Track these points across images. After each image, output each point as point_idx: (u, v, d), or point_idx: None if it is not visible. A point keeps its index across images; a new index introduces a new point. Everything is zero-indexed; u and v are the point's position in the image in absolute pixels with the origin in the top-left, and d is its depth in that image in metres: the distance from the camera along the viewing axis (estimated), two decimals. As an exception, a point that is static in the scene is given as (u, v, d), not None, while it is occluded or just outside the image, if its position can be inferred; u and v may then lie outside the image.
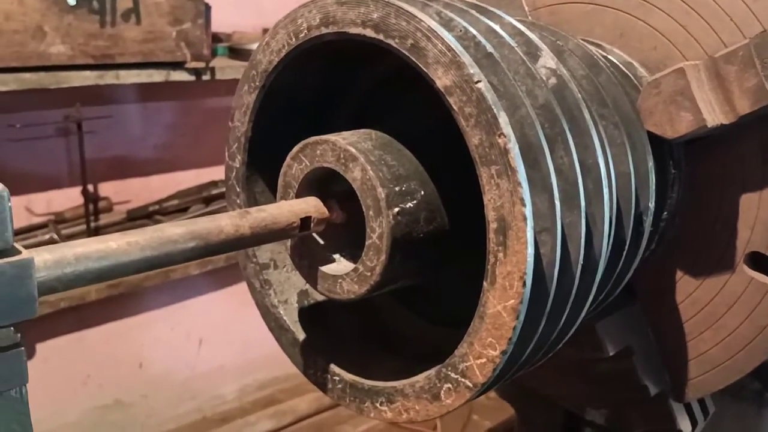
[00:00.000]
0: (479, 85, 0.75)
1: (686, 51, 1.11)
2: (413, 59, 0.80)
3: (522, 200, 0.74)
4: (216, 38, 3.46)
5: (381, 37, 0.83)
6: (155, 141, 3.54)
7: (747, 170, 1.10)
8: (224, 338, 3.88)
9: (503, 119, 0.74)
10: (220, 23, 3.40)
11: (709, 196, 1.13)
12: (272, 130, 1.05)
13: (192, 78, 2.98)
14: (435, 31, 0.78)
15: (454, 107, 0.77)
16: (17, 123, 2.96)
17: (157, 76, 2.86)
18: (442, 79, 0.78)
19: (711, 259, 1.14)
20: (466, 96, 0.76)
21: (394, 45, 0.81)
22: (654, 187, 1.01)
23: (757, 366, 1.16)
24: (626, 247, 0.98)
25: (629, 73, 1.11)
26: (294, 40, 0.94)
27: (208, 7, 3.02)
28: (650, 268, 1.19)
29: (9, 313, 0.63)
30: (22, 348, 0.66)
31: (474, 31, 0.82)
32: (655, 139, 1.05)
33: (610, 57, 1.13)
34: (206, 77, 3.02)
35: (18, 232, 2.99)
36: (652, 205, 1.01)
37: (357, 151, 0.87)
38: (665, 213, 1.12)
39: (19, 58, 2.45)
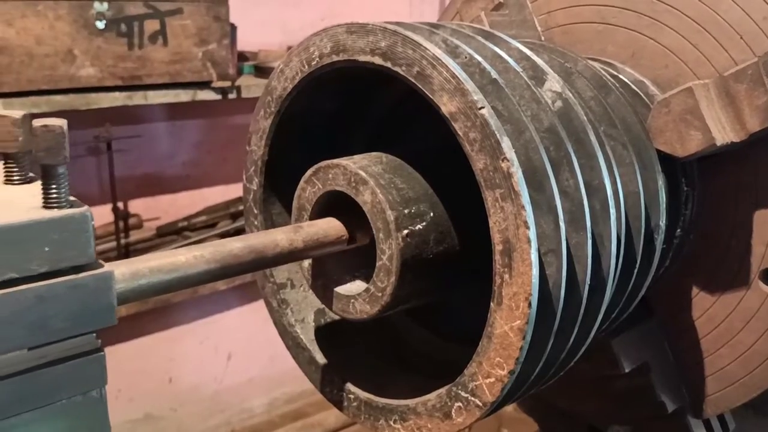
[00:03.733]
0: (483, 111, 0.77)
1: (697, 69, 1.12)
2: (419, 86, 0.82)
3: (526, 223, 0.76)
4: (242, 57, 3.52)
5: (389, 64, 0.85)
6: (183, 158, 3.60)
7: (760, 186, 1.10)
8: (252, 352, 3.92)
9: (506, 144, 0.76)
10: (246, 42, 3.46)
11: (723, 212, 1.14)
12: (288, 154, 1.08)
13: (218, 97, 3.04)
14: (440, 59, 0.80)
15: (459, 133, 0.79)
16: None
17: (184, 95, 2.92)
18: (447, 106, 0.80)
19: (726, 276, 1.14)
20: (471, 122, 0.78)
21: (401, 72, 0.84)
22: (665, 205, 1.02)
23: (776, 382, 1.15)
24: (637, 266, 0.99)
25: (640, 92, 1.12)
26: (307, 67, 0.96)
27: (233, 27, 3.08)
28: (666, 285, 1.19)
29: (91, 321, 0.70)
30: (103, 353, 0.73)
31: (479, 58, 0.84)
32: (666, 157, 1.06)
33: (621, 76, 1.14)
34: (232, 96, 3.08)
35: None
36: (663, 223, 1.01)
37: (367, 175, 0.89)
38: (679, 230, 1.12)
39: (50, 81, 2.52)
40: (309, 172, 0.96)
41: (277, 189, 1.11)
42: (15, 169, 0.76)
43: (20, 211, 0.68)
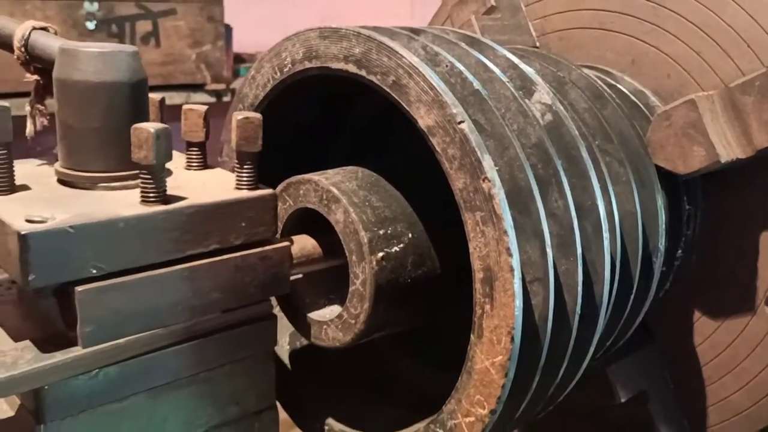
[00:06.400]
0: (462, 125, 0.70)
1: (701, 79, 1.05)
2: (395, 97, 0.75)
3: (508, 249, 0.68)
4: (239, 59, 3.45)
5: (363, 73, 0.78)
6: (178, 162, 3.53)
7: (768, 206, 1.03)
8: (247, 359, 3.85)
9: (488, 162, 0.69)
10: (243, 44, 3.40)
11: (728, 233, 1.06)
12: (264, 166, 1.01)
13: (213, 100, 2.98)
14: (417, 68, 0.73)
15: (437, 149, 0.72)
16: (38, 146, 2.97)
17: (177, 98, 2.85)
18: (424, 119, 0.73)
19: (730, 300, 1.07)
20: (449, 137, 0.71)
21: (376, 81, 0.77)
22: (665, 226, 0.95)
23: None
24: (634, 291, 0.91)
25: (640, 103, 1.05)
26: (279, 74, 0.89)
27: (228, 29, 3.02)
28: (667, 309, 1.12)
29: (273, 289, 0.81)
30: (276, 317, 0.85)
31: (461, 67, 0.76)
32: (667, 174, 0.99)
33: (619, 86, 1.07)
34: (227, 98, 3.01)
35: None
36: (662, 245, 0.94)
37: (339, 192, 0.82)
38: (680, 251, 1.05)
39: (38, 83, 2.45)
40: (280, 187, 0.89)
41: (252, 203, 1.03)
42: (197, 156, 0.87)
43: (219, 191, 0.78)
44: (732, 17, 1.03)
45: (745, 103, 0.94)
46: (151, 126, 0.70)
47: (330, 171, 0.88)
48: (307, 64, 0.85)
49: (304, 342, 1.05)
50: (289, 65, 0.87)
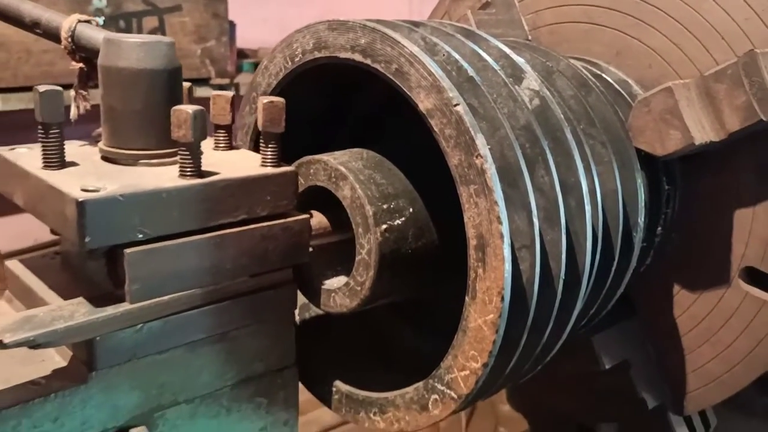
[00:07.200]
0: (458, 108, 0.78)
1: (680, 69, 1.13)
2: (398, 83, 0.83)
3: (498, 218, 0.77)
4: (242, 54, 3.53)
5: (368, 61, 0.86)
6: (183, 155, 3.60)
7: (741, 185, 1.11)
8: (250, 349, 3.93)
9: (480, 140, 0.77)
10: (246, 40, 3.47)
11: (705, 211, 1.15)
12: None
13: (217, 94, 3.05)
14: (417, 57, 0.81)
15: (435, 129, 0.80)
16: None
17: (182, 92, 2.93)
18: (424, 103, 0.81)
19: (707, 274, 1.15)
20: (446, 118, 0.79)
21: (380, 69, 0.85)
22: (644, 203, 1.03)
23: (756, 379, 1.17)
24: (615, 263, 1.00)
25: (623, 92, 1.13)
26: (290, 63, 0.98)
27: (232, 25, 3.09)
28: (648, 283, 1.20)
29: (293, 257, 0.90)
30: (296, 284, 0.95)
31: (457, 56, 0.85)
32: (648, 157, 1.07)
33: (604, 75, 1.15)
34: (231, 93, 3.09)
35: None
36: (642, 221, 1.02)
37: (347, 170, 0.90)
38: (660, 228, 1.14)
39: (48, 77, 2.53)
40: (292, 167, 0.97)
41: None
42: (224, 138, 0.97)
43: (246, 168, 0.87)
44: (709, 12, 1.11)
45: (718, 90, 1.02)
46: (189, 107, 0.79)
47: (337, 152, 0.96)
48: (317, 54, 0.93)
49: (313, 314, 1.13)
50: (300, 55, 0.96)
